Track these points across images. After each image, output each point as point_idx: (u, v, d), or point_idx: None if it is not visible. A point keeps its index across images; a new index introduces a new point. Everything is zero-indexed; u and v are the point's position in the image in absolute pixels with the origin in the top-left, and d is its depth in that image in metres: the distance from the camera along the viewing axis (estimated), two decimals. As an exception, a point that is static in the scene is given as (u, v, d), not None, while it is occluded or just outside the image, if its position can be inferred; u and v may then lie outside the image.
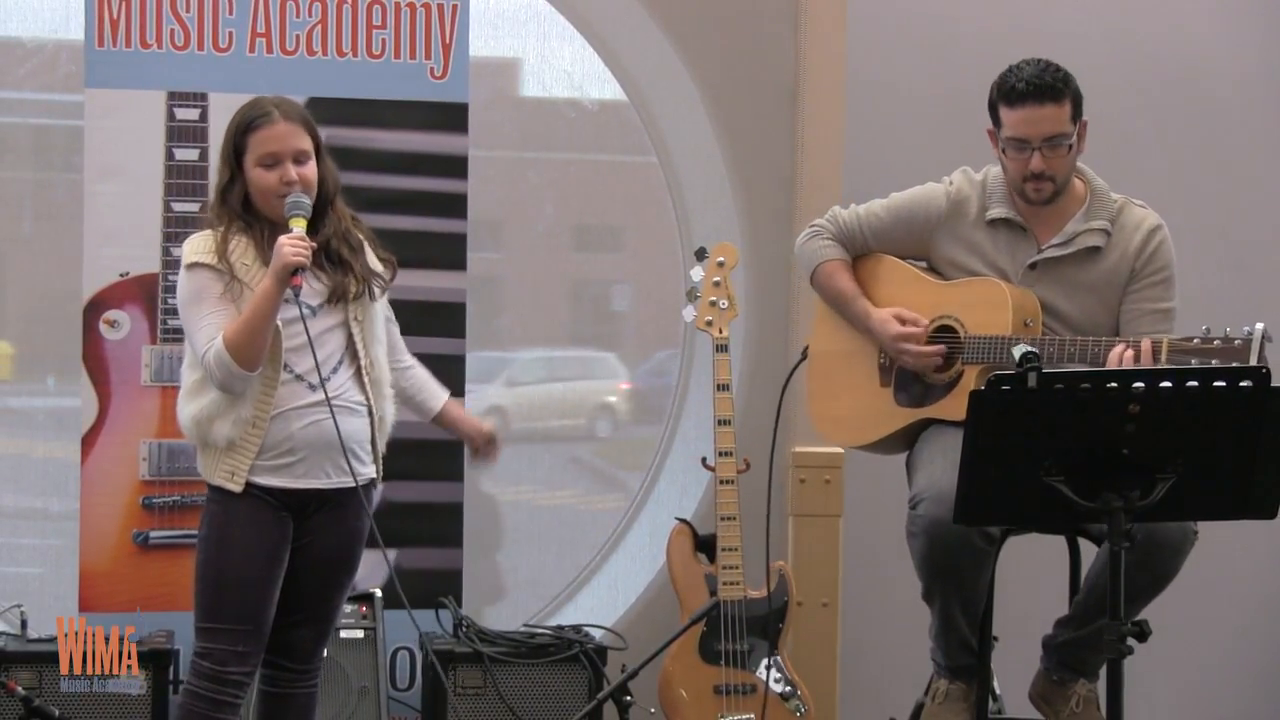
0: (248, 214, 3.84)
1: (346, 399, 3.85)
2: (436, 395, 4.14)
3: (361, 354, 3.88)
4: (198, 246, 3.82)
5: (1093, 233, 4.17)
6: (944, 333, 4.20)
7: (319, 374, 3.79)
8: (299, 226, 3.77)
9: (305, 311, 3.78)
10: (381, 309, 3.97)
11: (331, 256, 3.85)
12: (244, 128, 3.84)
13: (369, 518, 3.90)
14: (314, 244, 3.79)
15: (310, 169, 3.84)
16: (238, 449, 3.79)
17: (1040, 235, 4.20)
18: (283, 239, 3.73)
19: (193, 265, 3.79)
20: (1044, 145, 4.07)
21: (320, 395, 3.80)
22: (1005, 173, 4.19)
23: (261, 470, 3.80)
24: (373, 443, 3.92)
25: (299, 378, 3.82)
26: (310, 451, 3.82)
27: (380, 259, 3.97)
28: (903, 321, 4.21)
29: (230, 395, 3.76)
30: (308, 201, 3.81)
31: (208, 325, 3.75)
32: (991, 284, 4.16)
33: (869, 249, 4.36)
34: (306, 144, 3.85)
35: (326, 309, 3.83)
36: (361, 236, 3.95)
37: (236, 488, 3.79)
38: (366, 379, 3.89)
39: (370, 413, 3.90)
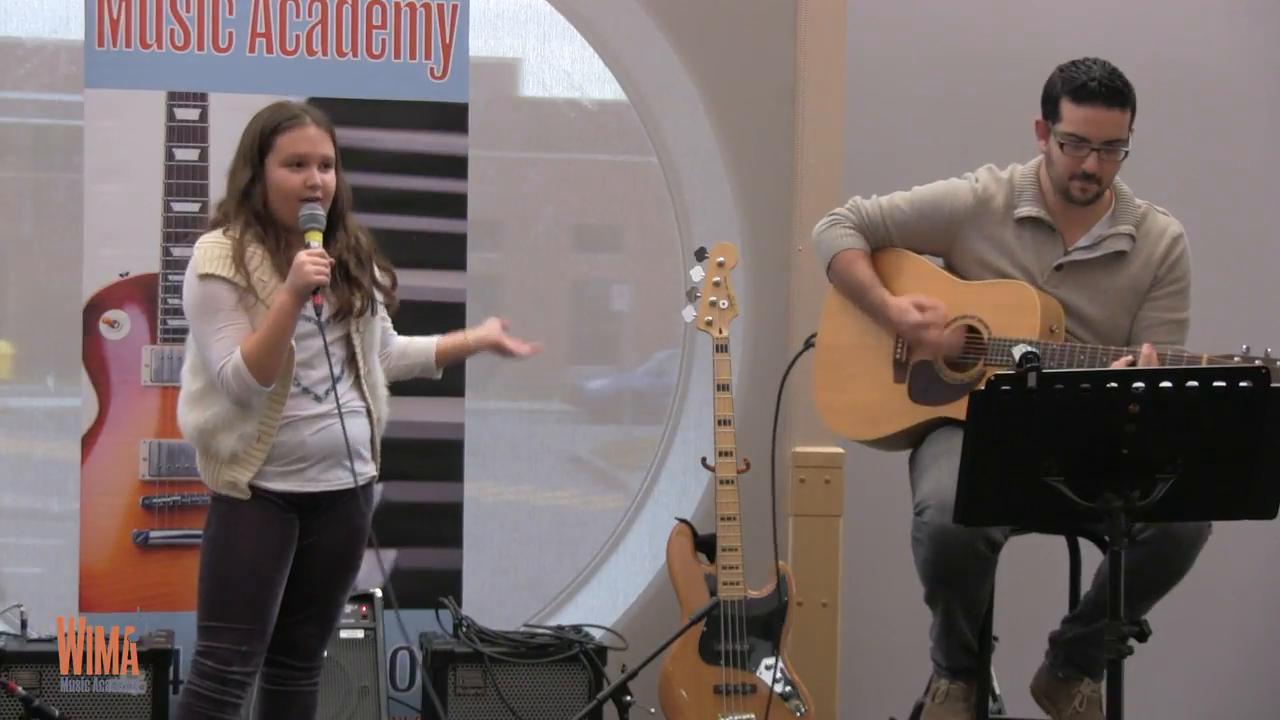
0: (264, 217, 3.82)
1: (350, 405, 3.86)
2: (426, 347, 4.10)
3: (360, 363, 3.90)
4: (212, 255, 3.77)
5: (1119, 237, 4.16)
6: (966, 332, 4.18)
7: (333, 381, 3.80)
8: (315, 240, 3.76)
9: (312, 326, 3.78)
10: (379, 321, 3.98)
11: (340, 271, 3.83)
12: (272, 128, 3.81)
13: (367, 515, 3.91)
14: (333, 260, 3.78)
15: (332, 178, 3.84)
16: (240, 462, 3.79)
17: (1068, 236, 4.19)
18: (302, 256, 3.71)
19: (206, 275, 3.76)
20: (1102, 147, 4.07)
21: (324, 407, 3.82)
22: (1050, 167, 4.15)
23: (271, 476, 3.81)
24: (372, 442, 3.94)
25: (305, 390, 3.82)
26: (320, 457, 3.83)
27: (381, 268, 3.97)
28: (921, 309, 4.18)
29: (238, 407, 3.76)
30: (323, 214, 3.80)
31: (224, 339, 3.73)
32: (1020, 287, 4.14)
33: (890, 241, 4.32)
34: (331, 151, 3.85)
35: (331, 324, 3.83)
36: (368, 248, 3.96)
37: (242, 496, 3.79)
38: (365, 384, 3.90)
39: (369, 414, 3.91)
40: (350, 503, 3.90)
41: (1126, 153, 4.10)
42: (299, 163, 3.79)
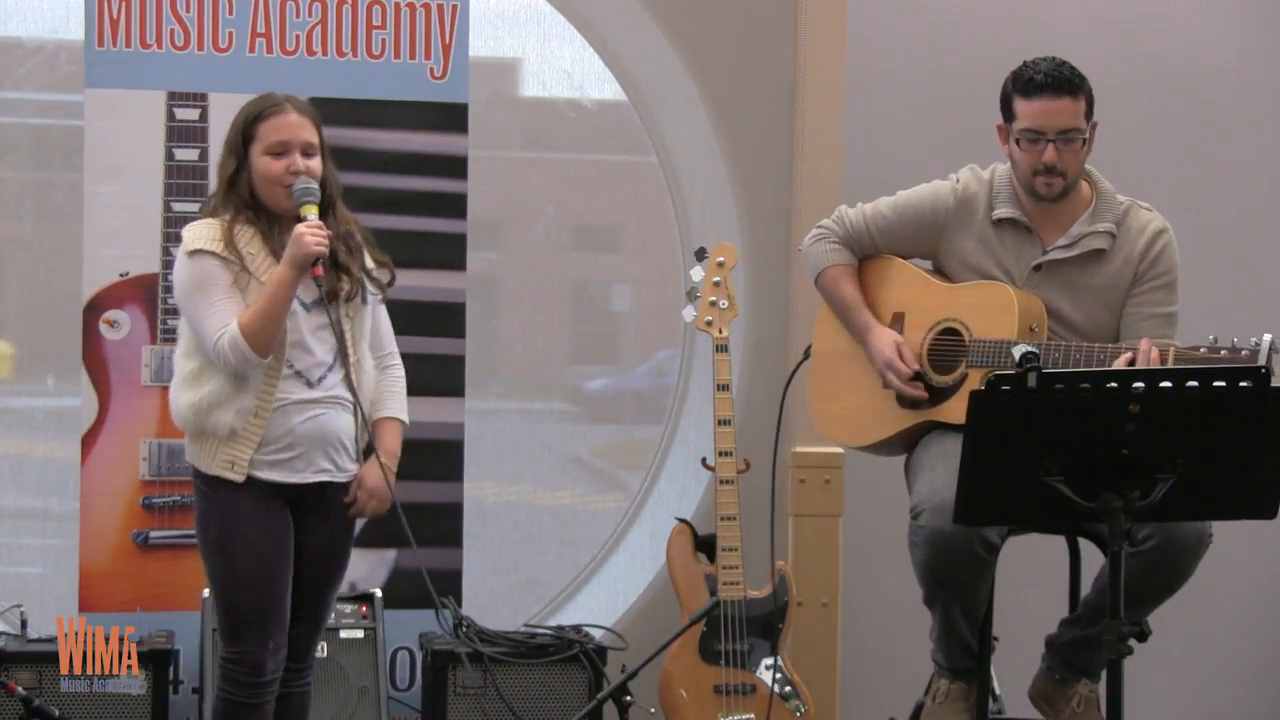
0: (253, 204, 3.85)
1: (340, 397, 3.88)
2: (382, 409, 4.01)
3: (350, 352, 3.90)
4: (201, 233, 3.82)
5: (1098, 235, 4.16)
6: (949, 335, 4.19)
7: (340, 350, 3.80)
8: (312, 214, 3.79)
9: (299, 307, 3.80)
10: (371, 310, 3.98)
11: (330, 258, 3.85)
12: (254, 117, 3.86)
13: (399, 511, 3.91)
14: (331, 232, 3.80)
15: (316, 163, 3.87)
16: (239, 439, 3.80)
17: (1045, 236, 4.19)
18: (301, 227, 3.75)
19: (196, 252, 3.80)
20: (1058, 138, 4.07)
21: (316, 393, 3.84)
22: (1015, 168, 4.18)
23: (261, 464, 3.82)
24: (356, 439, 3.94)
25: (298, 374, 3.84)
26: (308, 447, 3.85)
27: (377, 261, 3.98)
28: (900, 353, 4.20)
29: (234, 383, 3.77)
30: (315, 186, 3.82)
31: (219, 312, 3.75)
32: (998, 288, 4.15)
33: (877, 249, 4.34)
34: (314, 138, 3.88)
35: (318, 308, 3.84)
36: (360, 239, 3.96)
37: (238, 478, 3.80)
38: (354, 376, 3.90)
39: (357, 410, 3.92)
40: (335, 500, 3.91)
41: (1084, 142, 4.11)
42: (281, 149, 3.83)
